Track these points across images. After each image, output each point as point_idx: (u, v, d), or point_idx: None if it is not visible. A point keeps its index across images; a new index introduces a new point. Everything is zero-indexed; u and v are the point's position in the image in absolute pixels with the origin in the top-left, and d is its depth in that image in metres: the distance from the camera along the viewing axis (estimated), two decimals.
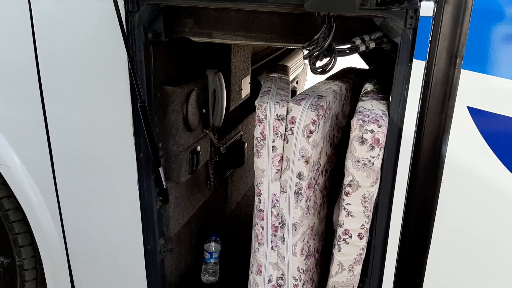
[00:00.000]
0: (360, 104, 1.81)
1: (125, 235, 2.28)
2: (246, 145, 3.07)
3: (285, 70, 2.40)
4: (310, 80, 5.20)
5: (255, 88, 3.13)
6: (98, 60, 1.97)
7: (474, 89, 1.63)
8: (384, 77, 2.23)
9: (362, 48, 1.70)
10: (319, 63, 1.68)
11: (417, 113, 1.70)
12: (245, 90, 2.88)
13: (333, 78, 2.20)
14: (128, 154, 2.08)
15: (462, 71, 1.62)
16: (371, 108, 1.75)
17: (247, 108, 3.19)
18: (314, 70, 1.66)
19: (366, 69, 2.55)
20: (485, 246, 1.79)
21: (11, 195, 2.35)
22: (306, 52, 1.62)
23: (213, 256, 2.63)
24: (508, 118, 1.63)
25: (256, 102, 1.79)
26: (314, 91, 1.91)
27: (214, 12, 1.89)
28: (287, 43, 1.89)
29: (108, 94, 2.02)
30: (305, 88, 3.69)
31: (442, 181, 1.75)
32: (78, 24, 1.94)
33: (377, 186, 1.75)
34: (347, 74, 2.28)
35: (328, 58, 1.60)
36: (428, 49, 1.62)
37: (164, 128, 2.18)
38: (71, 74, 2.03)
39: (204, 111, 2.39)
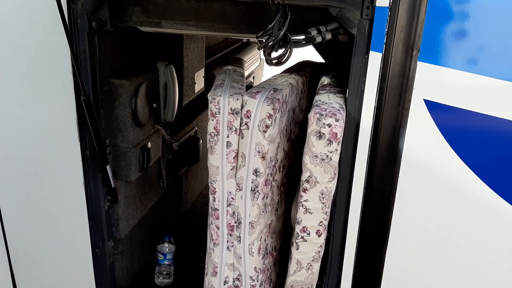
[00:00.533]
0: (317, 97, 1.76)
1: (72, 238, 2.14)
2: (201, 141, 2.97)
3: (240, 63, 2.32)
4: (267, 75, 5.15)
5: (210, 83, 3.03)
6: (38, 51, 1.82)
7: (430, 82, 1.61)
8: (340, 70, 2.19)
9: (318, 39, 1.64)
10: (274, 54, 1.61)
11: (374, 107, 1.66)
12: (199, 84, 2.78)
13: (289, 71, 2.14)
14: (73, 152, 1.94)
15: (419, 63, 1.59)
16: (328, 102, 1.70)
17: (202, 103, 3.09)
18: (269, 61, 1.59)
19: (322, 63, 2.51)
20: (442, 239, 1.78)
21: None
22: (260, 42, 1.54)
23: (167, 258, 2.52)
24: (464, 111, 1.62)
25: (208, 95, 1.70)
26: (270, 84, 1.84)
27: (163, 0, 1.78)
28: (241, 33, 1.80)
29: (50, 88, 1.88)
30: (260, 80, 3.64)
31: (399, 175, 1.73)
32: (16, 12, 1.79)
33: (335, 181, 1.71)
34: (304, 67, 2.23)
35: (283, 49, 1.53)
36: (385, 41, 1.58)
37: (111, 123, 2.06)
38: (9, 67, 1.87)
39: (155, 105, 2.28)
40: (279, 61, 1.55)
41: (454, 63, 1.57)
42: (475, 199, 1.68)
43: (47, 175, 2.03)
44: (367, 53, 1.62)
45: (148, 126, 2.23)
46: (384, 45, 1.59)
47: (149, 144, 2.26)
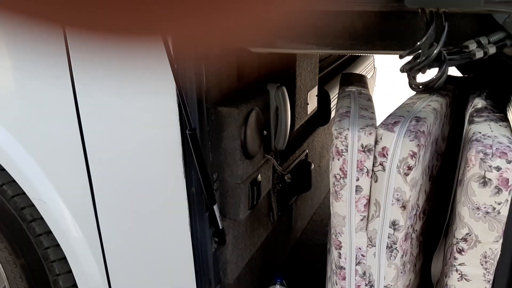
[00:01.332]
0: (473, 127, 1.36)
1: (175, 283, 1.94)
2: (312, 166, 2.66)
3: (362, 81, 1.98)
4: (380, 85, 4.71)
5: (322, 101, 2.72)
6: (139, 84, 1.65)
7: None
8: (494, 88, 1.75)
9: (479, 54, 1.25)
10: (420, 76, 1.26)
11: None
12: (312, 104, 2.48)
13: (424, 91, 1.75)
14: (178, 189, 1.74)
15: None
16: (492, 135, 1.29)
17: (312, 122, 2.78)
18: (415, 86, 1.24)
19: (464, 77, 2.07)
20: None
21: (50, 231, 2.08)
22: (405, 63, 1.19)
23: None
24: None
25: (333, 128, 1.39)
26: (408, 111, 1.48)
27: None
28: (373, 50, 1.46)
29: (153, 121, 1.69)
30: (372, 95, 3.24)
31: None
32: None
33: (501, 241, 1.30)
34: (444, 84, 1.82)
35: (437, 71, 1.17)
36: None
37: (219, 156, 1.82)
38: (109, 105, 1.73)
39: (265, 133, 2.01)
40: (430, 86, 1.19)
41: None
42: None
43: (150, 214, 1.86)
44: None
45: (258, 157, 1.96)
46: None
47: (259, 177, 2.00)
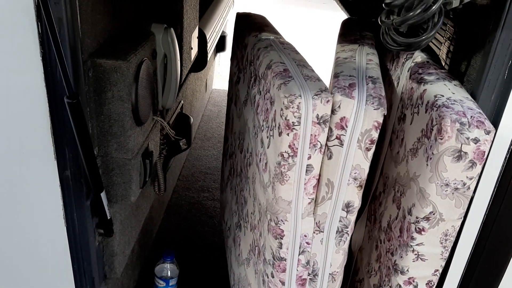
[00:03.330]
0: (430, 89, 1.18)
1: (52, 285, 1.48)
2: (192, 120, 2.30)
3: (268, 24, 1.65)
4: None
5: (200, 42, 2.33)
6: None
7: None
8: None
9: (455, 3, 1.04)
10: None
11: None
12: (195, 49, 2.08)
13: (349, 39, 1.52)
14: (47, 173, 1.26)
15: None
16: (456, 98, 1.13)
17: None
18: (395, 46, 0.97)
19: (367, 22, 1.87)
20: None
21: None
22: (388, 14, 0.91)
23: (170, 284, 1.93)
24: None
25: (281, 94, 1.07)
26: (355, 68, 1.23)
27: None
28: None
29: (6, 84, 1.14)
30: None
31: None
32: None
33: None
34: (360, 31, 1.61)
35: (431, 26, 0.92)
36: None
37: (100, 126, 1.36)
38: None
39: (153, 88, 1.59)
40: (417, 46, 0.94)
41: None
42: None
43: (15, 205, 1.34)
44: None
45: (147, 121, 1.55)
46: None
47: (150, 146, 1.59)
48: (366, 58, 1.31)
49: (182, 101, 2.38)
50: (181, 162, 3.01)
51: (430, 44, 1.63)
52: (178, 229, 2.48)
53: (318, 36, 5.96)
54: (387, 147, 1.43)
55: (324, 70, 1.95)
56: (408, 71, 1.34)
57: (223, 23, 3.29)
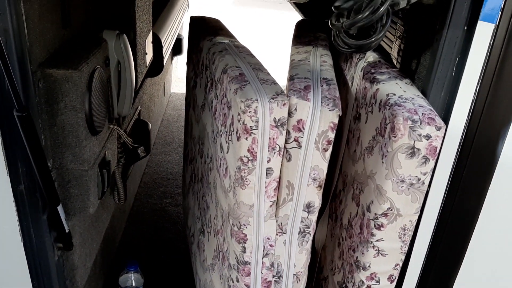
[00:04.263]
0: (382, 88, 1.21)
1: None
2: (150, 126, 2.27)
3: (222, 27, 1.65)
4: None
5: (155, 47, 2.30)
6: None
7: None
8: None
9: (403, 3, 1.07)
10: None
11: (473, 100, 1.17)
12: (149, 54, 2.06)
13: (303, 41, 1.54)
14: (0, 189, 1.22)
15: None
16: (408, 96, 1.16)
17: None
18: (346, 47, 0.99)
19: (321, 23, 1.90)
20: None
21: None
22: (339, 19, 0.93)
23: None
24: None
25: (238, 99, 1.07)
26: (309, 70, 1.24)
27: None
28: None
29: None
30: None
31: (490, 188, 1.29)
32: None
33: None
34: (314, 33, 1.63)
35: (379, 29, 0.94)
36: (502, 5, 1.07)
37: (54, 137, 1.33)
38: None
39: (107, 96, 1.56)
40: (367, 48, 0.97)
41: None
42: None
43: None
44: (471, 24, 1.10)
45: (103, 130, 1.51)
46: (501, 12, 1.07)
47: (107, 155, 1.55)
48: (320, 59, 1.33)
49: (139, 107, 2.35)
50: (141, 169, 2.97)
51: (382, 43, 1.68)
52: (141, 237, 2.44)
53: (275, 37, 5.99)
54: (345, 146, 1.46)
55: (281, 71, 1.97)
56: (361, 71, 1.36)
57: (179, 26, 3.26)
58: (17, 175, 1.20)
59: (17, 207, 1.26)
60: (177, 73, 4.54)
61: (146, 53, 1.97)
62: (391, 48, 1.64)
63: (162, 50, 2.35)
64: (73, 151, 1.35)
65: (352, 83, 1.44)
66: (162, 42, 2.37)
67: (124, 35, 1.59)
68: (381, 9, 0.89)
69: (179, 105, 3.99)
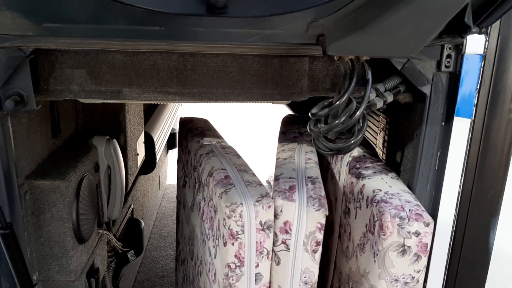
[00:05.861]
0: (369, 184, 1.21)
1: None
2: (143, 224, 2.25)
3: (210, 127, 1.69)
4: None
5: (147, 145, 2.34)
6: None
7: None
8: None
9: (379, 104, 1.11)
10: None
11: (459, 193, 1.17)
12: (141, 154, 2.09)
13: (288, 138, 1.57)
14: None
15: None
16: (394, 192, 1.16)
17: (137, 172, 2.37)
18: (326, 150, 1.01)
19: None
20: None
21: None
22: (317, 124, 0.96)
23: None
24: None
25: (222, 204, 1.07)
26: (294, 169, 1.26)
27: (123, 57, 1.11)
28: (251, 100, 1.20)
29: None
30: None
31: (487, 280, 1.25)
32: None
33: None
34: (299, 128, 1.67)
35: (357, 133, 0.96)
36: (476, 102, 1.10)
37: (40, 249, 1.30)
38: None
39: (97, 202, 1.55)
40: (346, 151, 0.98)
41: None
42: None
43: None
44: (447, 120, 1.13)
45: (92, 237, 1.49)
46: (475, 108, 1.10)
47: (96, 262, 1.52)
48: (305, 157, 1.35)
49: (132, 205, 2.34)
50: (135, 267, 2.88)
51: (367, 133, 1.71)
52: None
53: (267, 132, 6.11)
54: (338, 241, 1.43)
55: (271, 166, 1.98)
56: (347, 165, 1.38)
57: (172, 121, 3.34)
58: None
59: None
60: (173, 164, 4.58)
61: (138, 154, 2.00)
62: (376, 138, 1.67)
63: (154, 149, 2.38)
64: (59, 262, 1.32)
65: (339, 176, 1.45)
66: (155, 140, 2.42)
67: (114, 140, 1.63)
68: (357, 113, 0.91)
69: (175, 197, 3.97)
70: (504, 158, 1.15)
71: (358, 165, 1.33)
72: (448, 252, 1.21)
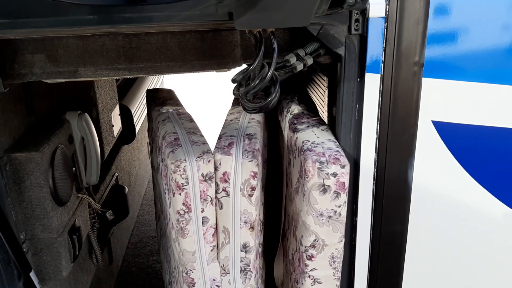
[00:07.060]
0: (300, 136, 1.40)
1: None
2: (126, 189, 2.45)
3: (173, 97, 1.86)
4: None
5: (124, 117, 2.52)
6: None
7: (438, 101, 1.34)
8: (300, 91, 1.85)
9: (300, 67, 1.28)
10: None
11: (376, 138, 1.35)
12: (117, 125, 2.27)
13: (238, 103, 1.74)
14: None
15: (424, 80, 1.31)
16: (320, 141, 1.35)
17: (117, 142, 2.56)
18: (250, 109, 1.19)
19: None
20: (461, 272, 1.55)
21: None
22: (239, 87, 1.14)
23: None
24: (476, 127, 1.38)
25: (169, 161, 1.26)
26: (236, 128, 1.44)
27: (76, 41, 1.28)
28: (191, 70, 1.37)
29: None
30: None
31: (410, 212, 1.45)
32: None
33: (343, 240, 1.37)
34: None
35: (271, 92, 1.14)
36: (383, 59, 1.27)
37: (24, 212, 1.50)
38: None
39: (74, 169, 1.75)
40: (265, 108, 1.16)
41: (464, 74, 1.31)
42: (499, 225, 1.46)
43: None
44: (361, 76, 1.31)
45: (71, 200, 1.69)
46: (383, 64, 1.28)
47: (77, 222, 1.73)
48: (249, 117, 1.53)
49: (116, 173, 2.54)
50: (129, 231, 3.12)
51: (316, 93, 1.89)
52: None
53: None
54: (285, 189, 1.63)
55: None
56: (288, 122, 1.56)
57: None
58: None
59: None
60: None
61: (113, 125, 2.19)
62: (324, 97, 1.85)
63: (132, 120, 2.57)
64: (42, 222, 1.52)
65: (285, 132, 1.63)
66: (133, 112, 2.59)
67: (86, 114, 1.81)
68: (267, 76, 1.09)
69: None
70: (414, 104, 1.32)
71: (295, 121, 1.51)
72: (373, 190, 1.40)
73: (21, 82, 1.52)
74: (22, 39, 1.26)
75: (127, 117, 2.50)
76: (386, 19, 1.23)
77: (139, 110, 2.83)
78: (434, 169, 1.40)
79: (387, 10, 1.23)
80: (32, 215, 1.51)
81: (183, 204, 1.26)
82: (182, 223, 1.28)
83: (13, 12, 1.00)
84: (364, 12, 1.23)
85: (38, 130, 1.61)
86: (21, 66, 1.29)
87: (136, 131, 2.67)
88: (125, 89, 2.82)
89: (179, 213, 1.27)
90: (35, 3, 0.97)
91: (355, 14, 1.24)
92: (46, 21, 1.05)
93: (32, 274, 1.46)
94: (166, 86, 4.25)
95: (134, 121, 2.61)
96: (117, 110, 2.30)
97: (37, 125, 1.65)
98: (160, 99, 1.81)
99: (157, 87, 3.77)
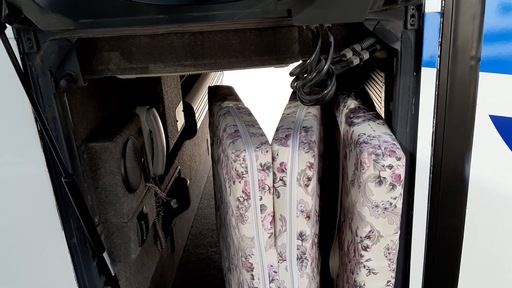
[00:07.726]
0: (356, 130, 1.44)
1: None
2: (188, 182, 2.58)
3: (233, 93, 1.96)
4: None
5: (187, 114, 2.65)
6: None
7: (496, 95, 1.33)
8: (357, 86, 1.89)
9: (356, 61, 1.32)
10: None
11: (433, 132, 1.37)
12: (180, 120, 2.40)
13: (295, 97, 1.80)
14: (57, 243, 1.53)
15: (481, 74, 1.31)
16: (376, 135, 1.38)
17: (180, 137, 2.70)
18: (307, 101, 1.25)
19: None
20: None
21: None
22: (296, 80, 1.20)
23: None
24: None
25: (229, 151, 1.34)
26: (293, 121, 1.50)
27: (147, 39, 1.40)
28: (252, 66, 1.45)
29: (17, 174, 1.45)
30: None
31: (467, 207, 1.45)
32: None
33: (399, 232, 1.40)
34: None
35: (328, 85, 1.19)
36: (439, 53, 1.29)
37: (98, 197, 1.65)
38: None
39: (142, 160, 1.88)
40: (322, 100, 1.22)
41: None
42: None
43: (31, 273, 1.60)
44: (417, 70, 1.33)
45: (140, 188, 1.82)
46: (439, 59, 1.29)
47: (145, 209, 1.86)
48: (306, 111, 1.59)
49: (179, 167, 2.67)
50: (189, 222, 3.26)
51: (374, 88, 1.91)
52: (190, 285, 2.69)
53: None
54: (341, 182, 1.67)
55: None
56: (344, 117, 1.60)
57: None
58: (70, 230, 1.51)
59: (71, 256, 1.56)
60: None
61: (177, 121, 2.31)
62: (381, 92, 1.87)
63: (194, 116, 2.69)
64: (114, 207, 1.66)
65: (341, 127, 1.67)
66: (195, 109, 2.72)
67: (154, 109, 1.94)
68: (324, 69, 1.14)
69: None
70: (471, 98, 1.33)
71: (352, 115, 1.55)
72: (429, 184, 1.42)
73: (97, 79, 1.67)
74: (100, 38, 1.38)
75: (189, 113, 2.63)
76: (442, 14, 1.25)
77: (200, 107, 2.96)
78: (492, 164, 1.40)
79: (443, 5, 1.24)
80: (105, 200, 1.65)
81: (243, 191, 1.34)
82: (242, 210, 1.36)
83: (94, 12, 1.12)
84: (419, 7, 1.26)
85: (111, 123, 1.75)
86: (99, 63, 1.42)
87: (197, 127, 2.80)
88: (188, 87, 2.96)
89: (239, 200, 1.35)
90: (113, 4, 1.08)
91: (411, 10, 1.26)
92: (122, 20, 1.16)
93: (105, 255, 1.59)
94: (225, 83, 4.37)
95: (196, 118, 2.74)
96: (180, 106, 2.43)
97: (110, 118, 1.79)
98: (221, 95, 1.90)
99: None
